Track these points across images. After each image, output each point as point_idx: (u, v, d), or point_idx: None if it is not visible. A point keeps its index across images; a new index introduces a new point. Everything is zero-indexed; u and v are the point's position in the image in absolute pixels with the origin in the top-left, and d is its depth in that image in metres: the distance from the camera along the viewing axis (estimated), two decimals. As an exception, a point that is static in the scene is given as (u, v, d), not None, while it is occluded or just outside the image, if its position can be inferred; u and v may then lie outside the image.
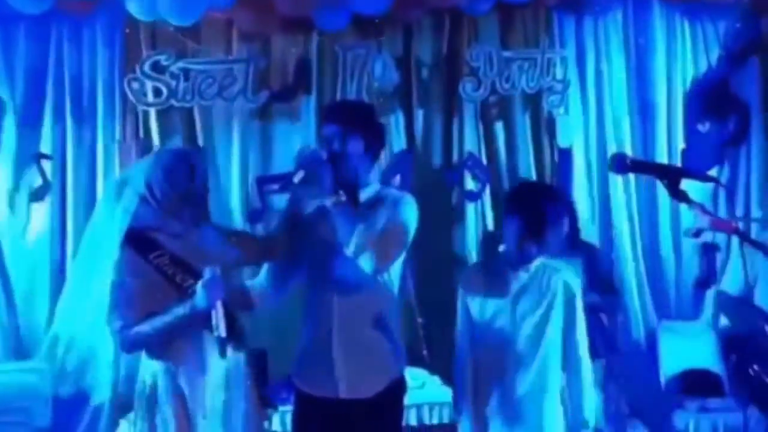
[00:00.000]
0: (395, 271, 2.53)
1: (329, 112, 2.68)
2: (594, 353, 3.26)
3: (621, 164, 2.18)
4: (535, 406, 2.51)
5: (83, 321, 2.42)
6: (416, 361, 4.22)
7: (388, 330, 2.56)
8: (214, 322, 2.27)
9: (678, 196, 2.04)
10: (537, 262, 2.56)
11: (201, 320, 2.29)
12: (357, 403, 2.46)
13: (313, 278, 2.54)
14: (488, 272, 2.64)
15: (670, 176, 2.05)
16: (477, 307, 2.58)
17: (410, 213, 2.50)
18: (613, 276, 3.42)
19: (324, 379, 2.47)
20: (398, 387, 2.56)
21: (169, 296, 2.30)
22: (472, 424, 2.57)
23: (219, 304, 2.26)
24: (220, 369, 2.34)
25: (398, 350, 2.58)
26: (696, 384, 4.16)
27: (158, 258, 2.31)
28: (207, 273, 2.27)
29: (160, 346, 2.32)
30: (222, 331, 2.27)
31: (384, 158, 4.46)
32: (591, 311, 3.31)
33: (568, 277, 2.57)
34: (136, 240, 2.32)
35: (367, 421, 2.46)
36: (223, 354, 2.29)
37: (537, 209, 2.49)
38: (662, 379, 4.39)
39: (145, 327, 2.29)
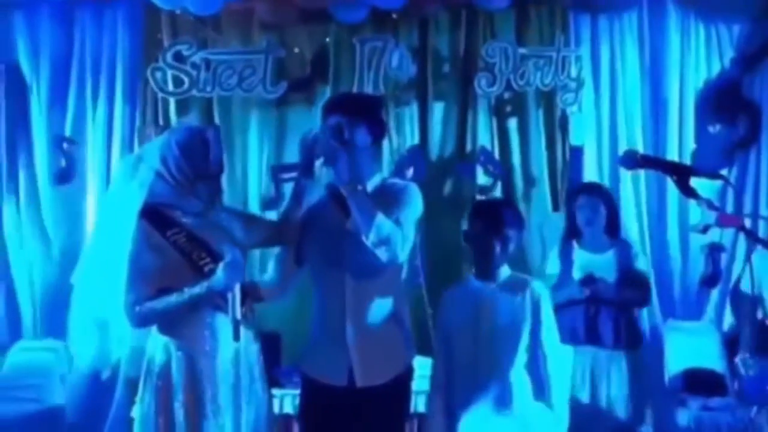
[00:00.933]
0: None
1: (336, 102, 2.67)
2: (621, 346, 3.36)
3: (631, 160, 2.22)
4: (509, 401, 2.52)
5: (98, 296, 2.41)
6: (425, 350, 4.27)
7: (400, 318, 2.60)
8: (230, 304, 2.28)
9: (687, 192, 2.08)
10: (505, 274, 2.59)
11: (215, 301, 2.31)
12: (367, 390, 2.47)
13: (323, 267, 2.54)
14: (462, 289, 2.67)
15: (680, 173, 2.09)
16: (452, 321, 2.61)
17: (417, 202, 2.54)
18: (643, 272, 3.46)
19: (336, 367, 2.48)
20: (407, 374, 2.60)
21: (185, 274, 2.30)
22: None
23: (237, 287, 2.28)
24: (230, 350, 2.35)
25: (409, 339, 2.62)
26: (699, 383, 4.18)
27: (175, 235, 2.32)
28: (228, 255, 2.27)
29: (171, 323, 2.32)
30: (238, 314, 2.28)
31: (398, 150, 4.55)
32: (621, 306, 3.40)
33: (535, 284, 2.60)
34: (154, 216, 2.32)
35: (376, 409, 2.47)
36: (236, 337, 2.31)
37: (496, 217, 2.54)
38: (666, 377, 4.44)
39: (158, 303, 2.28)
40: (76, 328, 2.40)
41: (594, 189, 3.65)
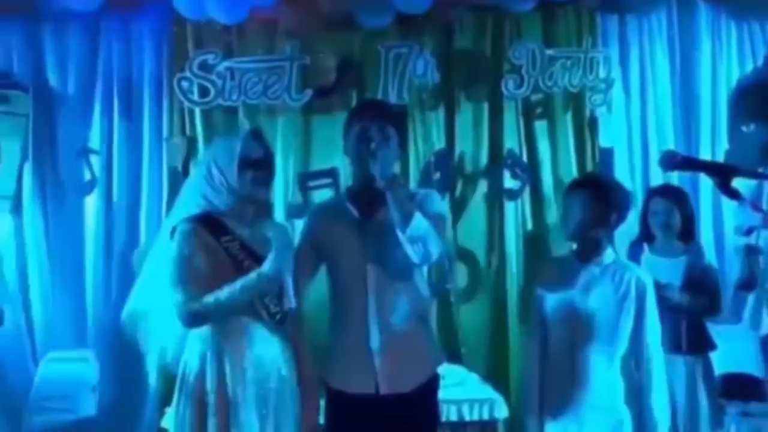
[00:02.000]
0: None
1: (368, 107, 2.72)
2: (679, 350, 3.27)
3: (671, 161, 2.17)
4: (602, 401, 2.47)
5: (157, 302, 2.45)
6: (454, 358, 4.24)
7: (426, 324, 2.59)
8: (283, 291, 2.28)
9: (729, 193, 2.03)
10: (609, 258, 2.53)
11: (253, 307, 2.32)
12: (395, 398, 2.44)
13: (343, 272, 2.52)
14: (561, 266, 2.62)
15: (721, 174, 2.04)
16: (549, 300, 2.57)
17: (443, 207, 2.60)
18: (712, 279, 3.38)
19: (361, 375, 2.46)
20: (434, 380, 2.57)
21: (235, 280, 2.32)
22: (535, 418, 2.55)
23: (288, 275, 2.29)
24: (268, 357, 2.36)
25: (434, 345, 2.63)
26: (737, 388, 4.10)
27: (229, 242, 2.36)
28: (277, 241, 2.29)
29: (219, 321, 2.33)
30: (292, 302, 2.29)
31: (424, 155, 4.52)
32: (688, 312, 3.30)
33: (640, 273, 2.55)
34: (210, 221, 2.37)
35: (405, 417, 2.45)
36: (277, 320, 2.34)
37: (601, 199, 2.47)
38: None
39: (209, 298, 2.29)
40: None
41: (670, 192, 3.50)
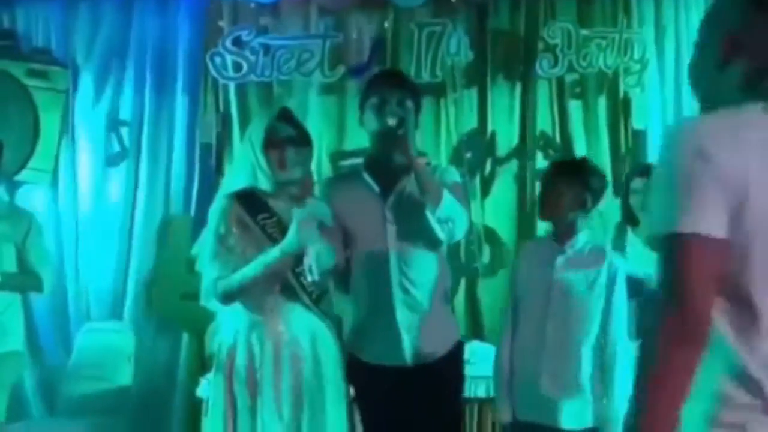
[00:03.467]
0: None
1: (385, 78, 2.64)
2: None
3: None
4: (569, 380, 2.47)
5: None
6: (479, 335, 4.27)
7: (447, 296, 2.62)
8: (306, 264, 2.25)
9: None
10: (583, 240, 2.54)
11: (284, 280, 2.32)
12: (422, 368, 2.47)
13: (365, 247, 2.51)
14: (538, 247, 2.68)
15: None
16: (522, 276, 2.60)
17: (459, 176, 2.62)
18: None
19: (389, 347, 2.48)
20: (459, 348, 2.61)
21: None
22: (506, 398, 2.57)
23: (311, 248, 2.24)
24: (301, 333, 2.37)
25: (453, 318, 2.70)
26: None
27: (265, 220, 2.35)
28: (298, 214, 2.26)
29: (248, 295, 2.34)
30: (315, 274, 2.25)
31: (457, 134, 4.51)
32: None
33: (614, 256, 2.56)
34: (248, 199, 2.36)
35: (432, 386, 2.48)
36: (313, 299, 2.34)
37: (577, 182, 2.49)
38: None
39: (236, 275, 2.30)
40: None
41: (649, 171, 3.42)
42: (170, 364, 4.51)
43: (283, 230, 2.32)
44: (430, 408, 2.48)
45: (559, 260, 2.51)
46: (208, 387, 3.62)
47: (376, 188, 2.52)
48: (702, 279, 1.24)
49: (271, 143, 2.34)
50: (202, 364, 4.26)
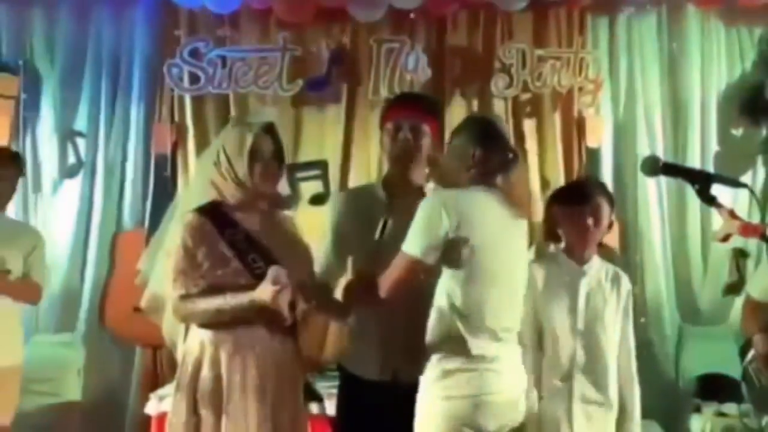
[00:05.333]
0: None
1: (404, 102, 2.68)
2: None
3: (652, 167, 2.19)
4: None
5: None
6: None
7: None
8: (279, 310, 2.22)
9: (708, 200, 2.06)
10: (594, 257, 2.51)
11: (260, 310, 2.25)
12: (411, 386, 2.36)
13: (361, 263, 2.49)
14: (551, 267, 2.54)
15: (701, 181, 2.06)
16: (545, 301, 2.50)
17: None
18: None
19: (379, 362, 2.43)
20: None
21: (238, 274, 2.28)
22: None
23: (284, 296, 2.21)
24: (269, 353, 2.32)
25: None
26: (714, 389, 4.14)
27: (233, 236, 2.31)
28: (271, 270, 2.22)
29: (211, 325, 2.30)
30: (287, 319, 2.25)
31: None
32: None
33: (625, 277, 2.56)
34: (215, 213, 2.32)
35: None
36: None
37: (592, 201, 2.46)
38: (680, 382, 4.41)
39: (203, 303, 2.26)
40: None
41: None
42: (122, 379, 4.45)
43: (251, 244, 2.31)
44: None
45: (582, 282, 2.47)
46: (156, 404, 3.58)
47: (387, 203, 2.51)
48: None
49: (258, 155, 2.31)
50: (154, 379, 4.20)
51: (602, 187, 2.60)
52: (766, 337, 3.05)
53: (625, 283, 2.53)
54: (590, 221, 2.44)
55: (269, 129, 2.39)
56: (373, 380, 2.46)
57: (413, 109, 2.55)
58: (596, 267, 2.51)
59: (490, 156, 2.28)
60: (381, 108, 2.64)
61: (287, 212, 2.56)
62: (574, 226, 2.47)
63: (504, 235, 2.28)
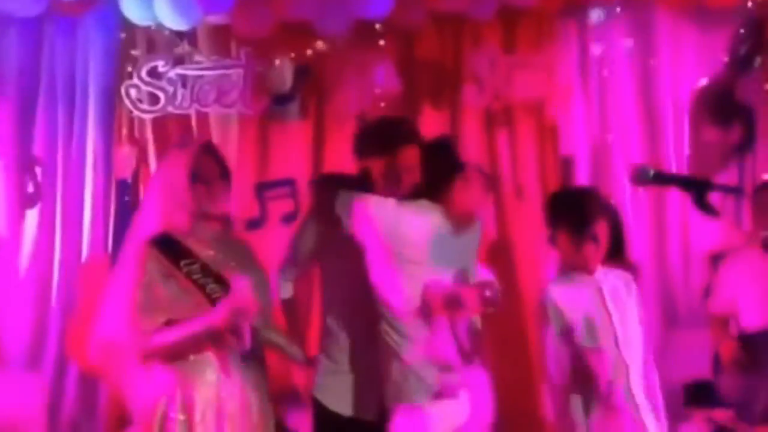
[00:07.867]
0: None
1: (392, 127, 2.62)
2: None
3: (643, 177, 2.12)
4: None
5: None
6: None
7: None
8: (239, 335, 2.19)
9: (705, 208, 1.99)
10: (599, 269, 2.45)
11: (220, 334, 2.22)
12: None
13: (345, 299, 2.46)
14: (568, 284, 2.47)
15: (697, 189, 2.00)
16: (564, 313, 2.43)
17: None
18: None
19: (364, 399, 2.37)
20: None
21: (198, 305, 2.24)
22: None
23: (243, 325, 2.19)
24: (235, 391, 2.27)
25: None
26: (703, 395, 4.10)
27: (190, 266, 2.26)
28: (235, 284, 2.19)
29: (173, 359, 2.24)
30: (246, 345, 2.20)
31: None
32: None
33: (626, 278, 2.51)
34: (169, 244, 2.27)
35: None
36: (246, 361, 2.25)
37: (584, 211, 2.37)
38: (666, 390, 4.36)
39: (162, 338, 2.21)
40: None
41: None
42: (88, 416, 4.28)
43: (209, 274, 2.26)
44: None
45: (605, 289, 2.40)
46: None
47: None
48: None
49: (199, 176, 2.27)
50: (122, 417, 4.03)
51: (602, 203, 2.48)
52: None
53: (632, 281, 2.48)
54: (593, 246, 2.35)
55: (208, 149, 2.37)
56: (355, 418, 2.36)
57: (401, 135, 2.49)
58: (603, 271, 2.44)
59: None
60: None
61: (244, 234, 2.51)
62: (579, 253, 2.37)
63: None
